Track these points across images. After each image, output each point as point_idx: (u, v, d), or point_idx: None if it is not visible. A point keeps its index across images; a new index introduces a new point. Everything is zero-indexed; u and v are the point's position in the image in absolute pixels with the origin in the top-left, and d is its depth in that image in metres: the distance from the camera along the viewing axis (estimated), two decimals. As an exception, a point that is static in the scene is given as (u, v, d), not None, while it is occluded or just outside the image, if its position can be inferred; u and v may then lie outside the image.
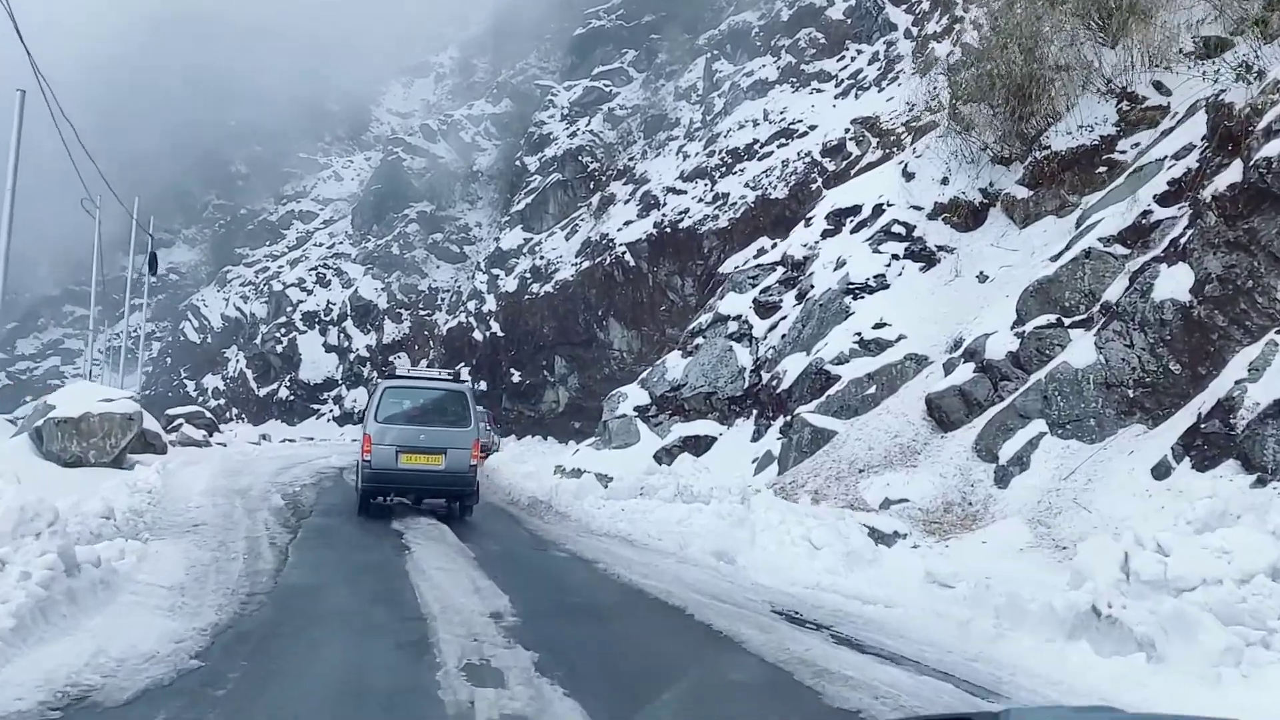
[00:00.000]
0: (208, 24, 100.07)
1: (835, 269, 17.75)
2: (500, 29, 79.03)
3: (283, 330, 68.90)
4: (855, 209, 19.06)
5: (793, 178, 46.23)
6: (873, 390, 15.05)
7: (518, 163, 65.21)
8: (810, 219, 20.63)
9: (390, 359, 62.85)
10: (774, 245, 42.75)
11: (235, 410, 68.00)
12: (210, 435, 26.69)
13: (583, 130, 61.32)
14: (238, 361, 70.71)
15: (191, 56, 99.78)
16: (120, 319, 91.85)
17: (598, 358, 51.43)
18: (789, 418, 16.20)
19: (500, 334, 55.87)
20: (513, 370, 54.37)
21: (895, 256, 17.47)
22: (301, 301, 70.09)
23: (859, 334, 15.96)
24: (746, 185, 47.98)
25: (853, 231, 18.73)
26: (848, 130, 46.33)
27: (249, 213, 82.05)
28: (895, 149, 46.41)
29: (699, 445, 17.99)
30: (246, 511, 13.26)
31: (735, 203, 47.66)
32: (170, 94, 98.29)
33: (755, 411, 17.78)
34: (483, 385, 56.25)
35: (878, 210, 18.38)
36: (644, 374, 20.76)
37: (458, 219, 69.36)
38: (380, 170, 74.99)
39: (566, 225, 57.52)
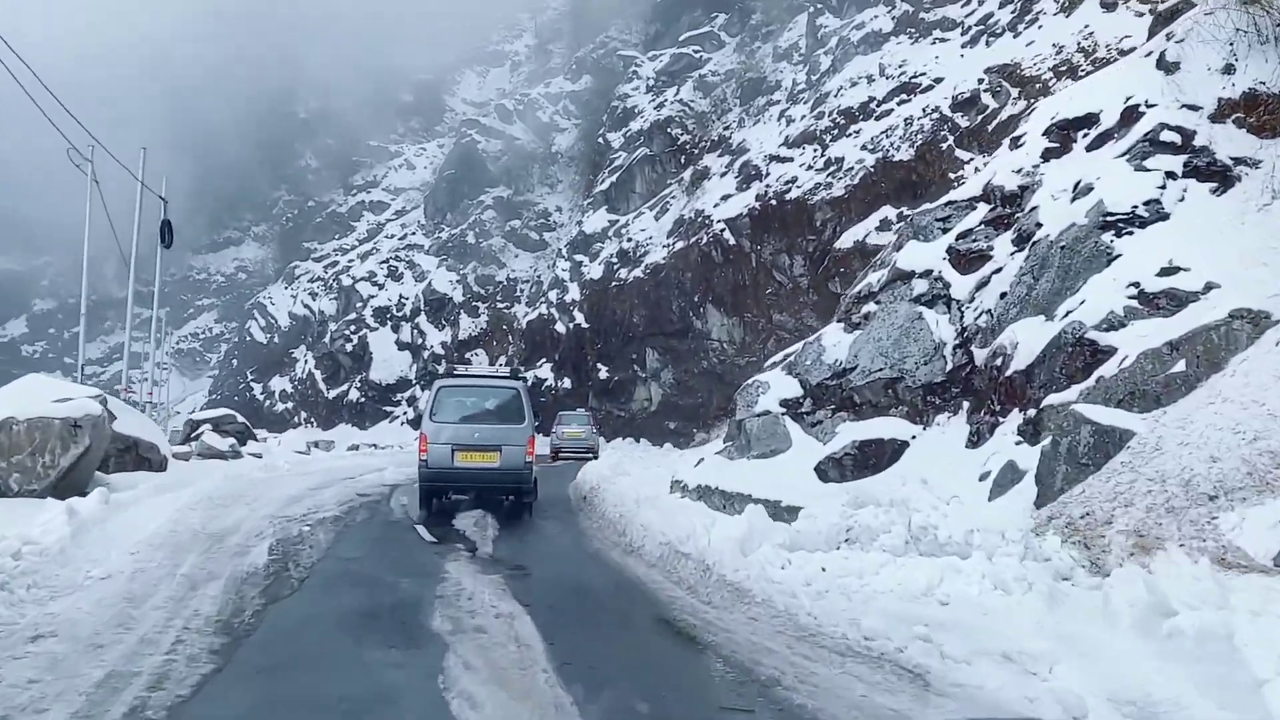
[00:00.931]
0: (275, 15, 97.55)
1: (1076, 198, 12.15)
2: (578, 6, 74.43)
3: (352, 327, 65.00)
4: (1090, 118, 13.36)
5: (919, 137, 40.45)
6: (1181, 367, 9.50)
7: (600, 140, 60.31)
8: (1019, 138, 14.91)
9: (467, 355, 58.53)
10: (958, 180, 36.99)
11: (303, 414, 64.30)
12: (243, 444, 22.00)
13: (671, 101, 56.14)
14: (306, 362, 67.09)
15: (260, 49, 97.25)
16: (188, 320, 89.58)
17: (694, 349, 46.16)
18: (1033, 411, 10.75)
19: (585, 325, 50.94)
20: (599, 365, 49.40)
21: (1171, 175, 11.96)
22: (372, 296, 66.16)
23: (1136, 284, 10.48)
24: (864, 148, 42.32)
25: (1091, 147, 13.17)
26: (981, 81, 40.41)
27: (317, 205, 78.66)
28: (1043, 98, 40.40)
29: (881, 454, 12.46)
30: (180, 592, 7.67)
31: (852, 168, 42.01)
32: (239, 88, 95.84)
33: (969, 404, 12.19)
34: (567, 382, 51.44)
35: (1130, 115, 12.82)
36: (789, 355, 15.10)
37: (536, 204, 64.74)
38: (454, 154, 70.78)
39: (656, 204, 52.38)
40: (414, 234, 70.61)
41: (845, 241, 40.49)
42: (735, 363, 44.82)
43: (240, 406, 69.48)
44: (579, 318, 51.69)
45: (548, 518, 14.87)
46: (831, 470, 13.70)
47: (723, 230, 45.49)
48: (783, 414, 15.08)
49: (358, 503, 14.56)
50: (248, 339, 71.84)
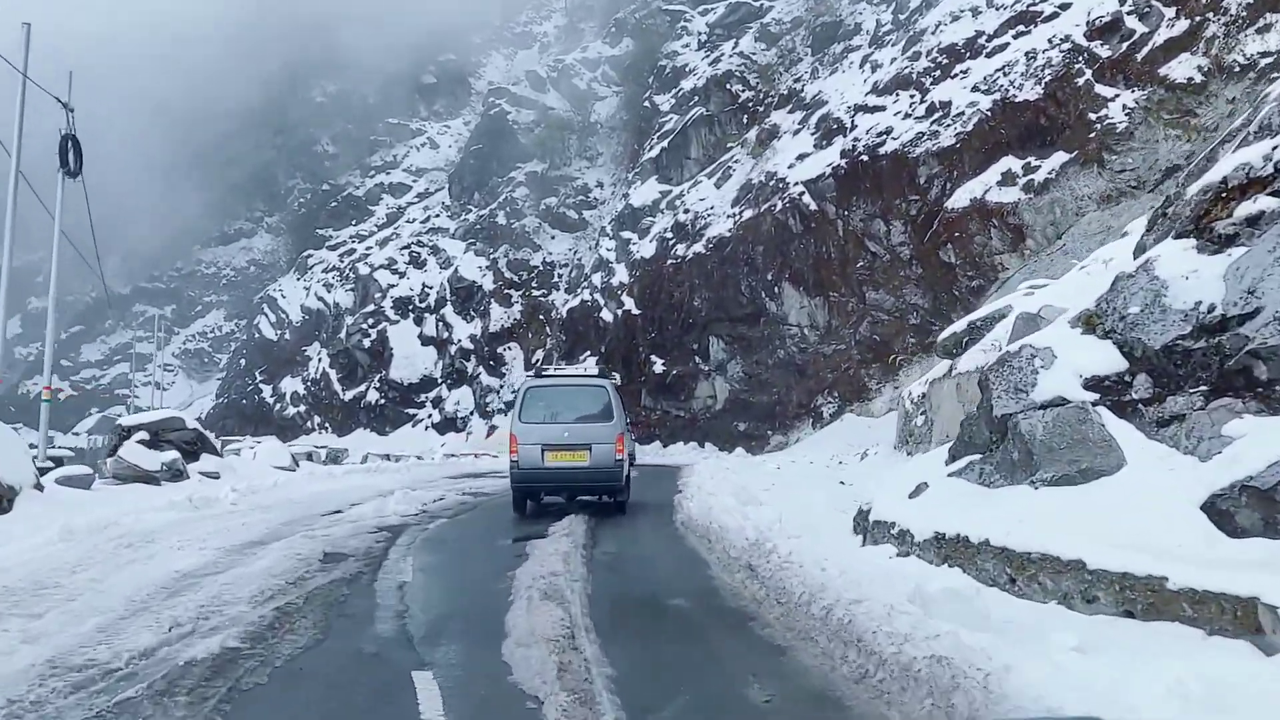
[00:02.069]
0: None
1: None
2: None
3: (370, 321, 58.77)
4: None
5: (1046, 72, 33.55)
6: None
7: (646, 104, 53.74)
8: None
9: (499, 350, 52.11)
10: (1100, 121, 30.51)
11: (317, 419, 58.15)
12: (192, 458, 15.46)
13: (729, 55, 49.44)
14: (319, 360, 60.96)
15: (274, 30, 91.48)
16: (197, 318, 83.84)
17: (768, 337, 39.44)
18: None
19: (636, 312, 44.33)
20: (654, 357, 42.76)
21: None
22: (392, 286, 59.91)
23: None
24: (976, 89, 35.45)
25: None
26: (1124, 2, 33.49)
27: (332, 188, 72.55)
28: (1210, 14, 33.38)
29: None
30: None
31: (962, 113, 35.22)
32: (253, 70, 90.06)
33: None
34: (615, 379, 44.55)
35: None
36: (1095, 302, 7.44)
37: (574, 179, 58.25)
38: (481, 127, 64.42)
39: (715, 170, 45.72)
40: (438, 216, 64.37)
41: (959, 200, 33.67)
42: (819, 351, 38.08)
43: (248, 410, 63.55)
44: (628, 303, 45.08)
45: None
46: (1249, 511, 6.86)
47: (801, 194, 38.71)
48: (1093, 403, 8.21)
49: (301, 595, 7.53)
50: (256, 336, 65.81)
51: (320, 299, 63.77)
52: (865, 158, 37.17)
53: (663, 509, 14.57)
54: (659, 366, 42.89)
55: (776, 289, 39.48)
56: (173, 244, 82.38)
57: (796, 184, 39.21)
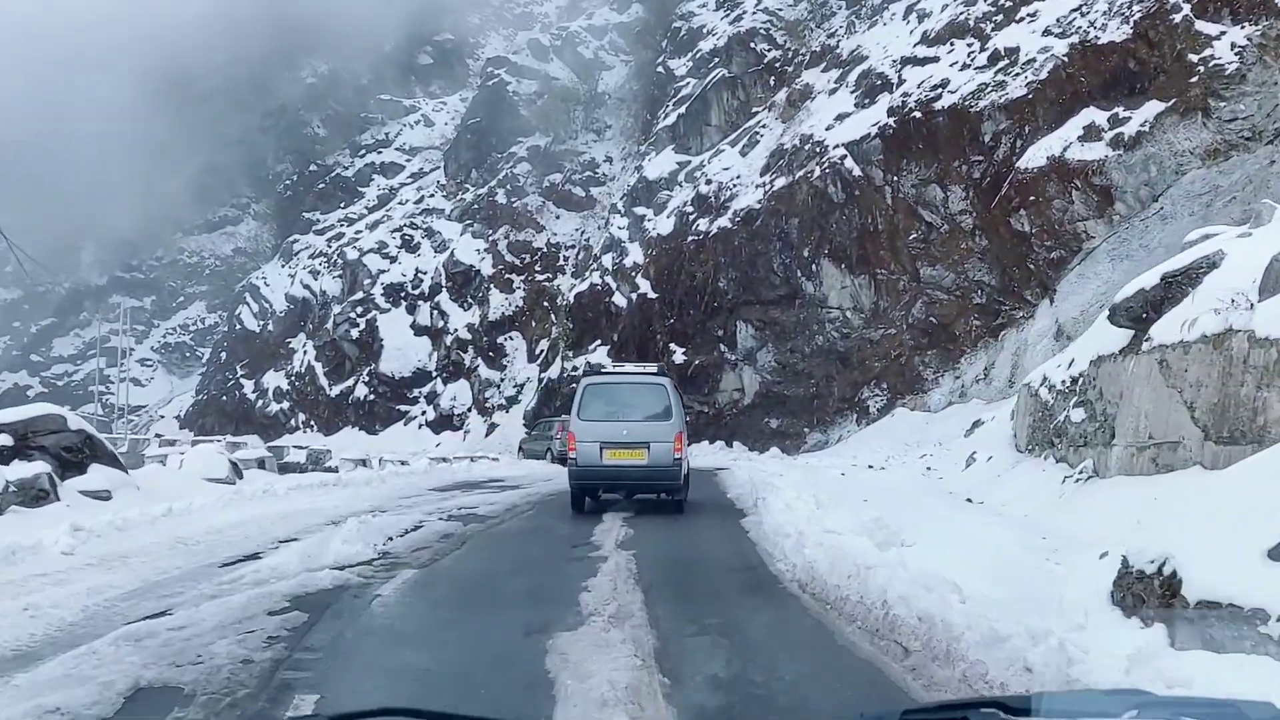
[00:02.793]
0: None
1: None
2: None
3: (359, 309, 54.27)
4: None
5: (1134, 10, 29.02)
6: None
7: (660, 70, 49.20)
8: None
9: (499, 340, 47.68)
10: (1204, 63, 26.42)
11: (301, 416, 53.69)
12: (77, 470, 10.98)
13: (752, 11, 44.79)
14: (305, 353, 56.41)
15: (266, 8, 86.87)
16: (178, 310, 79.27)
17: (804, 321, 34.98)
18: None
19: (652, 295, 39.83)
20: (673, 346, 38.27)
21: None
22: (383, 272, 55.39)
23: None
24: (1049, 33, 30.93)
25: None
26: (1224, -75, 28.99)
27: (320, 169, 67.93)
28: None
29: None
30: None
31: (1033, 60, 30.73)
32: (241, 48, 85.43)
33: None
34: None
35: None
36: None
37: (581, 153, 53.71)
38: (479, 99, 59.85)
39: (740, 136, 41.24)
40: (432, 196, 59.82)
41: (1033, 159, 29.17)
42: (864, 337, 33.64)
43: (228, 407, 59.07)
44: (643, 286, 40.56)
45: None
46: None
47: (842, 158, 34.21)
48: None
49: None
50: (237, 327, 61.26)
51: (306, 287, 59.24)
52: (917, 115, 32.65)
53: (745, 551, 10.07)
54: (679, 356, 38.33)
55: (814, 266, 34.94)
56: (153, 231, 77.72)
57: (836, 147, 34.69)
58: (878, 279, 33.54)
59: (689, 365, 38.02)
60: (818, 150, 35.54)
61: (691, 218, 39.70)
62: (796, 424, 35.26)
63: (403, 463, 25.98)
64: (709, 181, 39.87)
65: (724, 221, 37.74)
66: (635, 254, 42.40)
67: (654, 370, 15.67)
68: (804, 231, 35.16)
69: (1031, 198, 28.85)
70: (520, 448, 38.52)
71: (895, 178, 33.18)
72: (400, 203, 61.50)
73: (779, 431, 35.73)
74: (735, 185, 38.74)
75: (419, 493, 17.41)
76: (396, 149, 67.08)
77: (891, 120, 33.52)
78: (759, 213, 36.62)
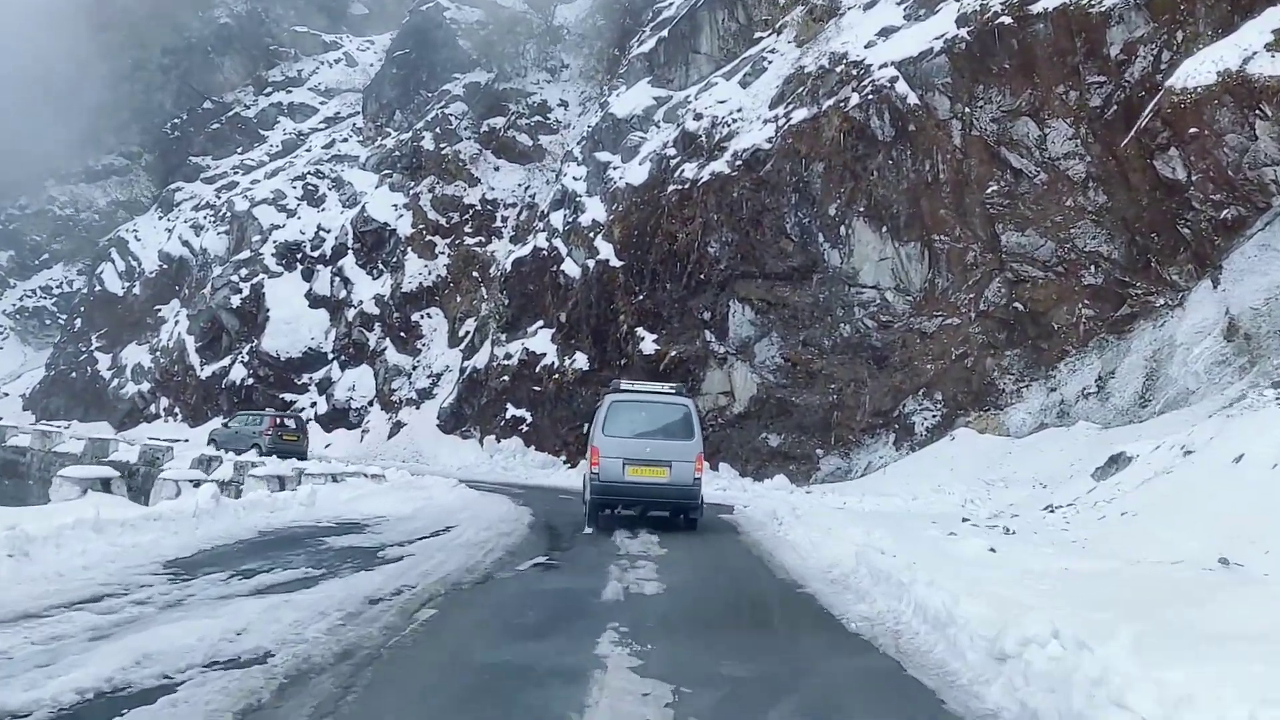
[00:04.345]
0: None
1: None
2: None
3: (244, 272, 44.14)
4: None
5: None
6: None
7: (633, -3, 39.78)
8: None
9: (414, 317, 38.16)
10: None
11: (164, 401, 43.41)
12: None
13: (756, -84, 35.54)
14: (176, 324, 46.12)
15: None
16: (39, 269, 68.04)
17: (826, 303, 26.00)
18: None
19: (615, 263, 30.62)
20: (641, 331, 29.13)
21: None
22: (276, 227, 45.45)
23: None
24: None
25: None
26: None
27: (216, 106, 57.52)
28: None
29: None
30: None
31: (1186, -60, 21.64)
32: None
33: None
34: (580, 360, 31.12)
35: None
36: None
37: (530, 94, 44.24)
38: (411, 28, 50.06)
39: (739, 67, 32.11)
40: (345, 141, 49.90)
41: (1193, 74, 20.23)
42: (912, 328, 24.77)
43: (78, 387, 48.60)
44: (604, 250, 31.27)
45: None
46: None
47: (892, 82, 25.22)
48: None
49: None
50: (98, 289, 50.66)
51: (185, 244, 48.97)
52: (1005, 20, 23.66)
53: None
54: (649, 344, 29.07)
55: (843, 229, 25.86)
56: (18, 178, 66.52)
57: (884, 67, 25.66)
58: (935, 248, 24.50)
59: (661, 358, 28.70)
60: (856, 72, 26.46)
61: (674, 162, 30.41)
62: (806, 443, 26.12)
63: (193, 485, 16.22)
64: (699, 117, 30.61)
65: (719, 166, 28.49)
66: (595, 210, 33.05)
67: (672, 389, 16.20)
68: (831, 181, 26.03)
69: (1191, 131, 19.92)
70: (211, 439, 31.15)
71: (968, 109, 24.22)
72: (308, 150, 51.46)
73: (781, 452, 26.58)
74: (736, 120, 29.54)
75: (152, 572, 7.98)
76: (310, 89, 57.10)
77: (963, 31, 24.53)
78: (768, 154, 27.44)
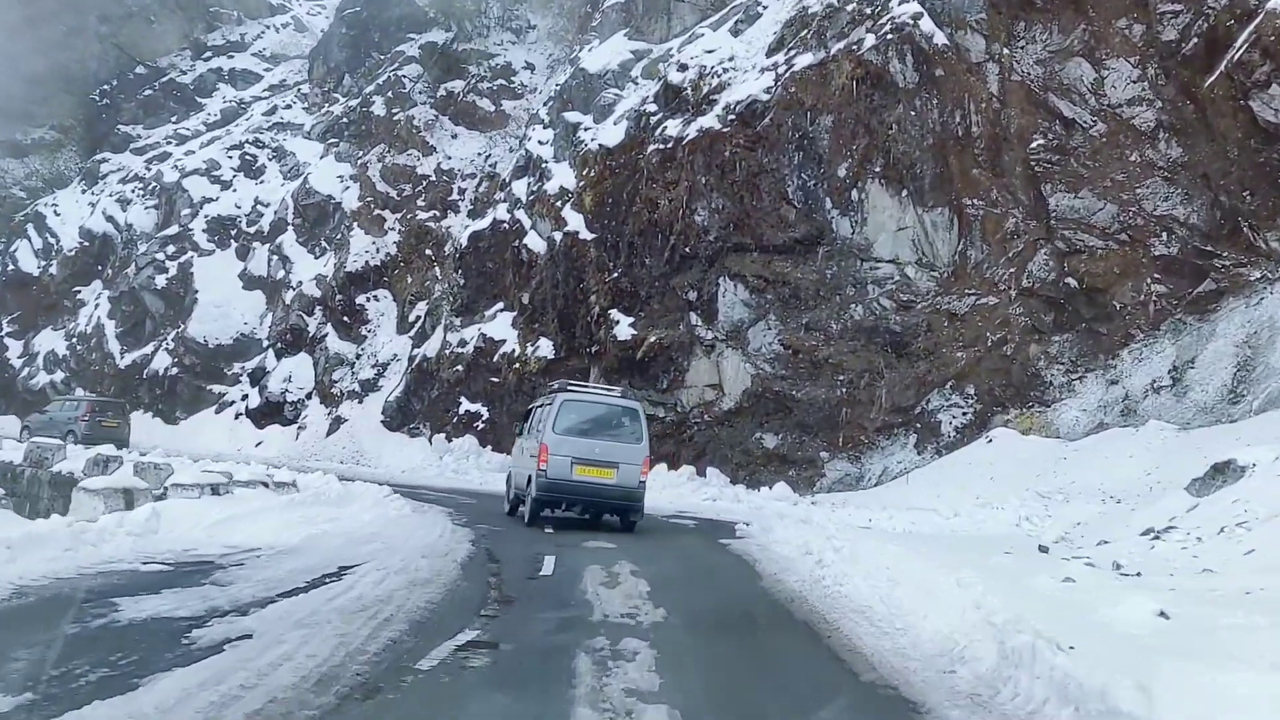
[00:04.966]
0: None
1: None
2: None
3: (171, 249, 39.82)
4: None
5: None
6: None
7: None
8: None
9: (359, 300, 34.29)
10: None
11: (81, 393, 38.89)
12: None
13: None
14: (96, 306, 41.73)
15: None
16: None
17: (833, 279, 22.41)
18: None
19: (586, 236, 26.72)
20: (615, 314, 25.32)
21: None
22: (209, 200, 41.21)
23: None
24: None
25: None
26: None
27: (150, 71, 52.85)
28: None
29: None
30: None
31: None
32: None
33: None
34: (545, 348, 27.23)
35: None
36: None
37: (493, 56, 40.18)
38: (360, -16, 45.58)
39: (730, 14, 28.47)
40: (289, 108, 45.59)
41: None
42: (940, 309, 20.99)
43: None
44: (573, 221, 27.39)
45: None
46: None
47: (915, 19, 21.45)
48: None
49: None
50: (10, 269, 46.07)
51: (110, 219, 44.49)
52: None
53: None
54: (624, 329, 25.24)
55: (855, 193, 22.13)
56: None
57: (905, 1, 21.84)
58: (966, 214, 20.80)
59: (638, 344, 24.84)
60: (871, 10, 22.68)
61: (654, 119, 26.52)
62: (809, 445, 22.40)
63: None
64: (683, 68, 26.74)
65: (708, 121, 24.63)
66: (563, 176, 29.10)
67: (618, 392, 16.55)
68: (841, 137, 22.27)
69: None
70: (25, 426, 31.08)
71: (1006, 50, 20.52)
72: (248, 119, 47.09)
73: (778, 455, 22.84)
74: (727, 70, 25.69)
75: None
76: (254, 54, 52.59)
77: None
78: (766, 107, 23.60)
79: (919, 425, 20.95)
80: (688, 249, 24.49)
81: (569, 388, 16.13)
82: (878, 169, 21.91)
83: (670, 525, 16.77)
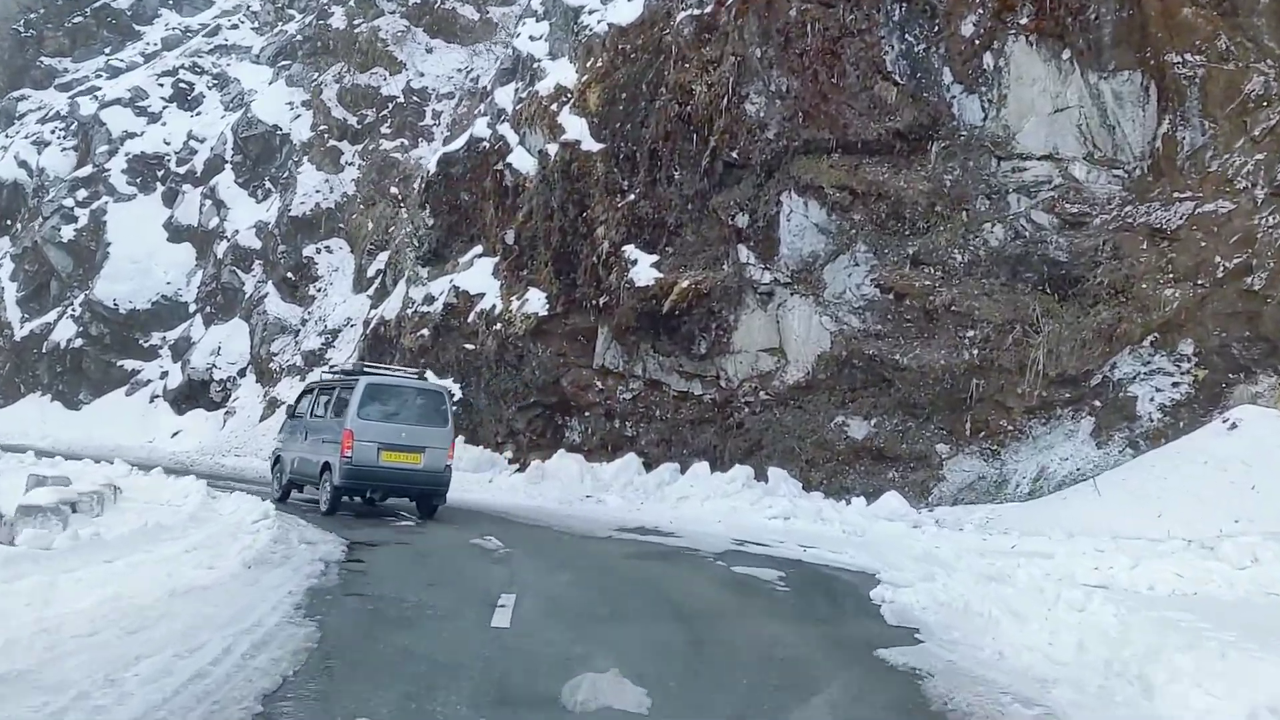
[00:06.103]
0: None
1: None
2: None
3: (82, 194, 33.04)
4: None
5: None
6: None
7: None
8: None
9: (309, 251, 27.54)
10: None
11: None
12: None
13: None
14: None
15: None
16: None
17: (957, 189, 14.90)
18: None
19: (592, 147, 19.64)
20: (634, 251, 18.05)
21: None
22: (131, 136, 34.46)
23: None
24: None
25: None
26: None
27: (80, -3, 45.91)
28: None
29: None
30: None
31: None
32: None
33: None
34: (535, 300, 20.07)
35: None
36: None
37: (477, -46, 33.13)
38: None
39: None
40: (235, 29, 38.64)
41: None
42: (1132, 224, 13.52)
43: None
44: (573, 128, 20.56)
45: None
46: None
47: None
48: None
49: None
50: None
51: (23, 165, 37.74)
52: None
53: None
54: (644, 271, 18.32)
55: (990, 56, 15.16)
56: None
57: None
58: (1174, 78, 13.69)
59: (664, 292, 17.82)
60: None
61: (688, -20, 19.39)
62: (918, 434, 15.55)
63: None
64: (724, -87, 19.58)
65: (763, -28, 17.47)
66: (561, 73, 22.12)
67: (417, 373, 16.42)
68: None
69: None
70: None
71: None
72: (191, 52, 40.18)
73: (870, 448, 16.00)
74: (787, -94, 18.54)
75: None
76: (204, -23, 45.67)
77: None
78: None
79: (1099, 403, 13.90)
80: (734, 154, 17.43)
81: (367, 370, 15.83)
82: (1024, 20, 14.83)
83: (737, 582, 9.64)
